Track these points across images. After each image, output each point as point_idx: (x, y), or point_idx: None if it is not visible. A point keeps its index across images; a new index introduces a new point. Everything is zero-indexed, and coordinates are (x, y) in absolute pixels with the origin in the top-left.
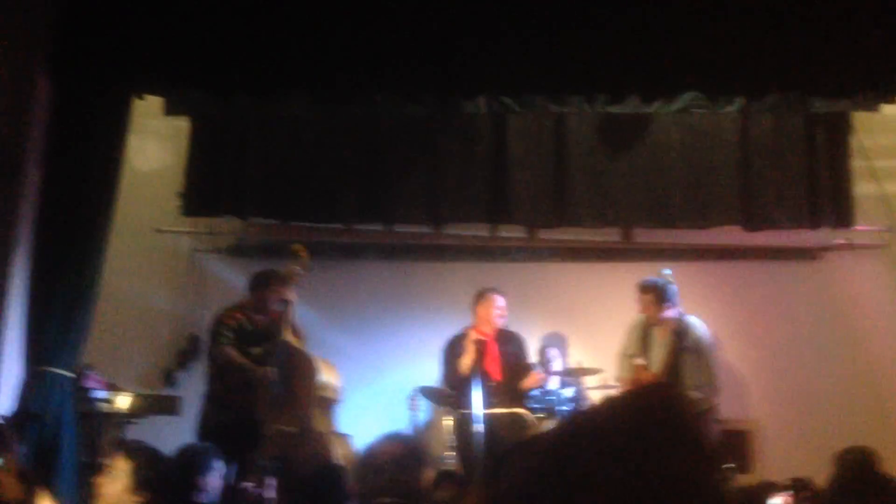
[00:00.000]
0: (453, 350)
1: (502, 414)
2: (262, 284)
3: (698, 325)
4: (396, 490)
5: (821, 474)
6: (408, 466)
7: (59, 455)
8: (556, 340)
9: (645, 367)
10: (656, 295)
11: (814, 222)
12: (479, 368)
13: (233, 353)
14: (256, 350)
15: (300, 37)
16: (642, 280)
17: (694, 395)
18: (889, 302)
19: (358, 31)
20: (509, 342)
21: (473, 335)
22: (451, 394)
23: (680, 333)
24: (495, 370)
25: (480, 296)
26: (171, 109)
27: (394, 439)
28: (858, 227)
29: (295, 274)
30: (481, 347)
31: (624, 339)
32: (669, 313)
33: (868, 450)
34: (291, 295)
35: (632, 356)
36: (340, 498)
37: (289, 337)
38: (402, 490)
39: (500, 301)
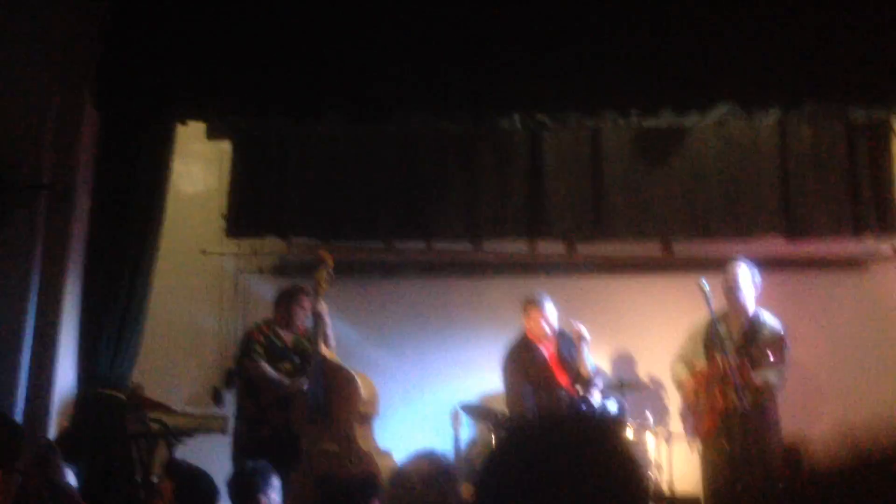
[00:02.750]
0: (511, 365)
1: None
2: (287, 299)
3: (774, 319)
4: None
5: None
6: (439, 484)
7: (111, 475)
8: (596, 355)
9: (702, 372)
10: (745, 279)
11: (856, 230)
12: (550, 383)
13: (264, 367)
14: (286, 366)
15: (336, 57)
16: (733, 261)
17: (768, 381)
18: None
19: (393, 49)
20: (563, 343)
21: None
22: (493, 411)
23: (755, 324)
24: (564, 379)
25: (526, 306)
26: (213, 133)
27: (425, 457)
28: None
29: (322, 281)
30: (543, 362)
31: (685, 342)
32: (750, 303)
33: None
34: (322, 308)
35: (690, 361)
36: None
37: (324, 352)
38: None
39: (546, 308)
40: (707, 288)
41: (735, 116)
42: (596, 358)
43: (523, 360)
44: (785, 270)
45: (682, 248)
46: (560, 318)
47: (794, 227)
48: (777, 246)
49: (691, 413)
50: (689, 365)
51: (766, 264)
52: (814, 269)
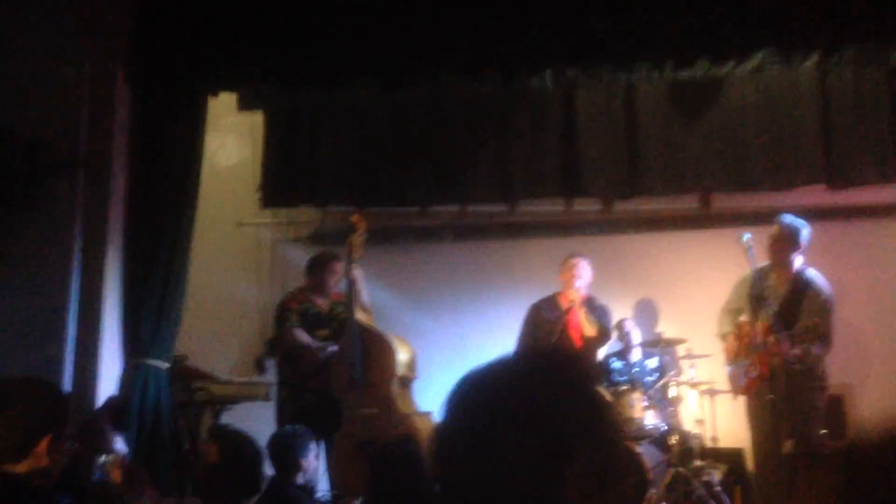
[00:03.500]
0: (532, 317)
1: None
2: (319, 266)
3: (820, 278)
4: None
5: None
6: None
7: (159, 443)
8: (635, 311)
9: (749, 324)
10: (790, 236)
11: None
12: (562, 337)
13: (299, 334)
14: (322, 332)
15: (364, 23)
16: (779, 217)
17: (810, 352)
18: None
19: (421, 12)
20: (593, 311)
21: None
22: None
23: (800, 283)
24: (576, 338)
25: (563, 262)
26: (245, 105)
27: None
28: None
29: (356, 246)
30: (565, 315)
31: (730, 293)
32: (796, 261)
33: None
34: (356, 273)
35: (736, 311)
36: (417, 476)
37: (359, 316)
38: None
39: (579, 264)
40: (749, 242)
41: (773, 63)
42: (635, 315)
43: (542, 315)
44: (827, 220)
45: (720, 202)
46: (598, 280)
47: (837, 176)
48: (819, 195)
49: (735, 367)
50: (735, 317)
51: (809, 215)
52: (857, 217)
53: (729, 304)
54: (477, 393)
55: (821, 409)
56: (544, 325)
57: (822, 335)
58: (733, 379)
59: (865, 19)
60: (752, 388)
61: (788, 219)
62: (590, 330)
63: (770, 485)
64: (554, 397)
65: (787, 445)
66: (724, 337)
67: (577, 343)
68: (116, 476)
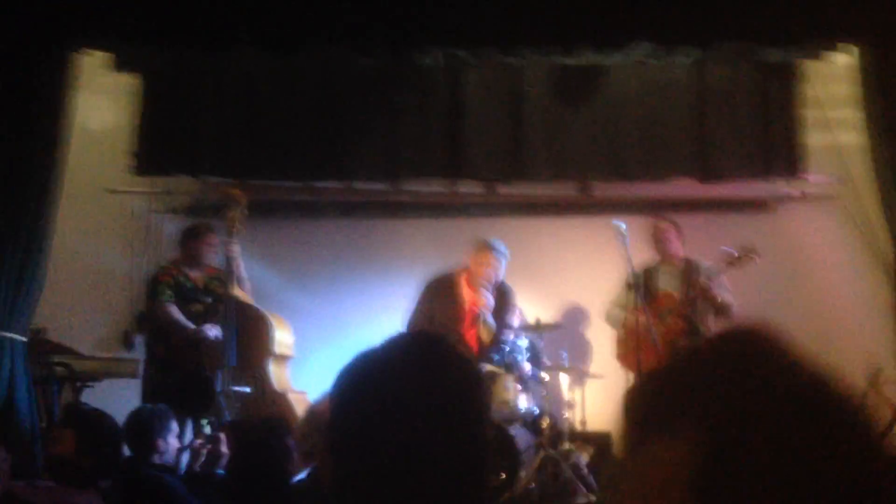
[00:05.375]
0: (428, 296)
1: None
2: (194, 237)
3: (706, 261)
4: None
5: None
6: None
7: (13, 422)
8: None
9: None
10: (678, 230)
11: (766, 173)
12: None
13: (172, 310)
14: (197, 307)
15: None
16: (662, 216)
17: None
18: (840, 252)
19: None
20: (500, 298)
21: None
22: None
23: (692, 267)
24: (473, 345)
25: (479, 248)
26: (121, 66)
27: None
28: (811, 178)
29: (235, 221)
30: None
31: (617, 291)
32: (678, 251)
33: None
34: (234, 248)
35: (621, 304)
36: (280, 455)
37: (237, 293)
38: None
39: (500, 263)
40: (624, 229)
41: (652, 57)
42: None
43: (440, 298)
44: (697, 213)
45: (600, 190)
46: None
47: (708, 170)
48: (690, 188)
49: (627, 351)
50: (625, 308)
51: (680, 206)
52: (725, 210)
53: (617, 300)
54: (367, 376)
55: None
56: (443, 311)
57: (726, 311)
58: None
59: (740, 18)
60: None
61: (665, 219)
62: (486, 336)
63: None
64: (439, 381)
65: None
66: (619, 323)
67: (475, 350)
68: None
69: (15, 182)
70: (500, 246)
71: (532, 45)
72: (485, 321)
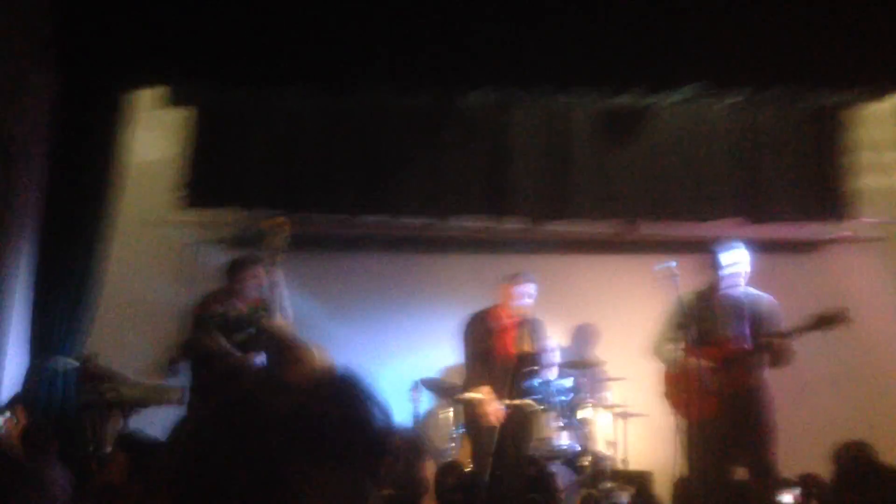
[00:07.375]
0: (471, 330)
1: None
2: (239, 269)
3: (763, 294)
4: (397, 482)
5: (822, 470)
6: (407, 458)
7: (63, 445)
8: (555, 331)
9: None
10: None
11: (817, 215)
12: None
13: (217, 339)
14: (240, 337)
15: (302, 28)
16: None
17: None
18: (890, 295)
19: (359, 21)
20: (533, 329)
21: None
22: (452, 385)
23: (746, 298)
24: (512, 352)
25: (511, 280)
26: (175, 100)
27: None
28: (862, 220)
29: (276, 250)
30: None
31: (661, 325)
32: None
33: (864, 443)
34: (278, 277)
35: (672, 340)
36: None
37: (279, 323)
38: (403, 481)
39: (530, 288)
40: (673, 270)
41: (703, 97)
42: (557, 335)
43: (477, 330)
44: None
45: (645, 229)
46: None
47: (758, 211)
48: (737, 228)
49: (679, 392)
50: (677, 344)
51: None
52: (771, 251)
53: (663, 335)
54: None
55: (771, 437)
56: (484, 337)
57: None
58: (678, 400)
59: (792, 60)
60: (703, 408)
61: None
62: (528, 346)
63: None
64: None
65: (741, 472)
66: (669, 361)
67: (513, 358)
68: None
69: (71, 216)
70: (530, 277)
71: (580, 84)
72: (527, 333)
